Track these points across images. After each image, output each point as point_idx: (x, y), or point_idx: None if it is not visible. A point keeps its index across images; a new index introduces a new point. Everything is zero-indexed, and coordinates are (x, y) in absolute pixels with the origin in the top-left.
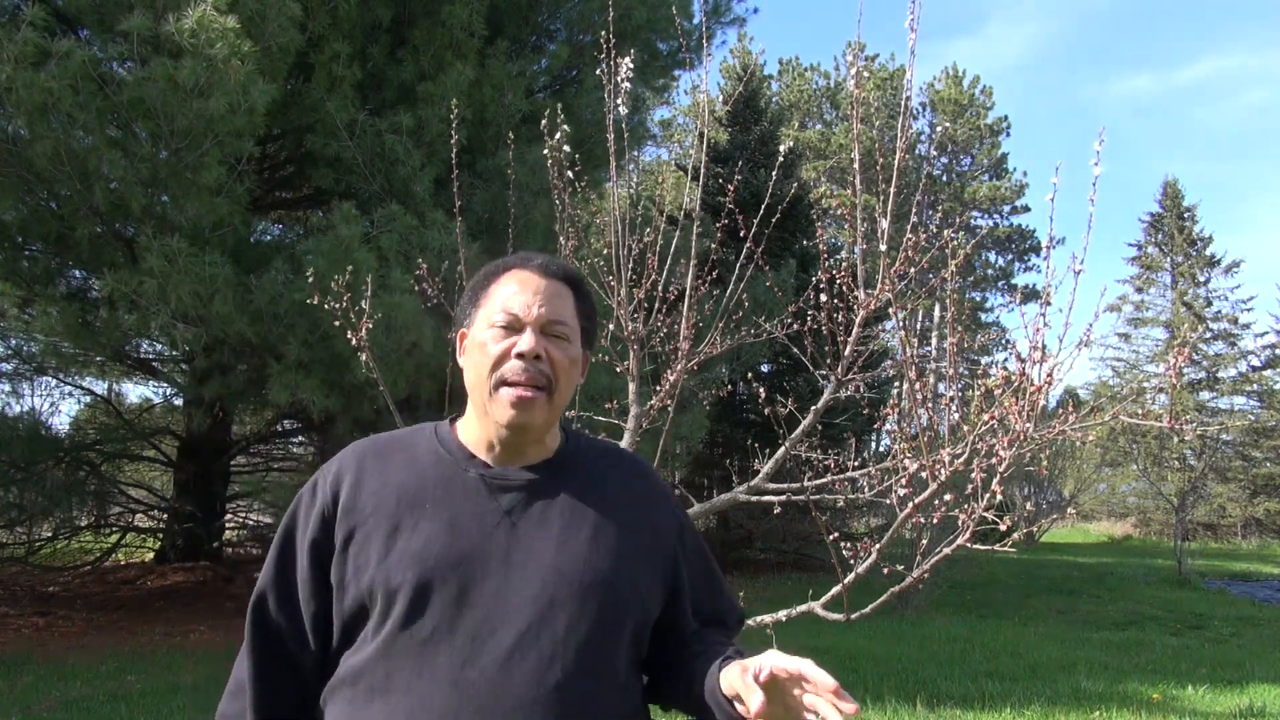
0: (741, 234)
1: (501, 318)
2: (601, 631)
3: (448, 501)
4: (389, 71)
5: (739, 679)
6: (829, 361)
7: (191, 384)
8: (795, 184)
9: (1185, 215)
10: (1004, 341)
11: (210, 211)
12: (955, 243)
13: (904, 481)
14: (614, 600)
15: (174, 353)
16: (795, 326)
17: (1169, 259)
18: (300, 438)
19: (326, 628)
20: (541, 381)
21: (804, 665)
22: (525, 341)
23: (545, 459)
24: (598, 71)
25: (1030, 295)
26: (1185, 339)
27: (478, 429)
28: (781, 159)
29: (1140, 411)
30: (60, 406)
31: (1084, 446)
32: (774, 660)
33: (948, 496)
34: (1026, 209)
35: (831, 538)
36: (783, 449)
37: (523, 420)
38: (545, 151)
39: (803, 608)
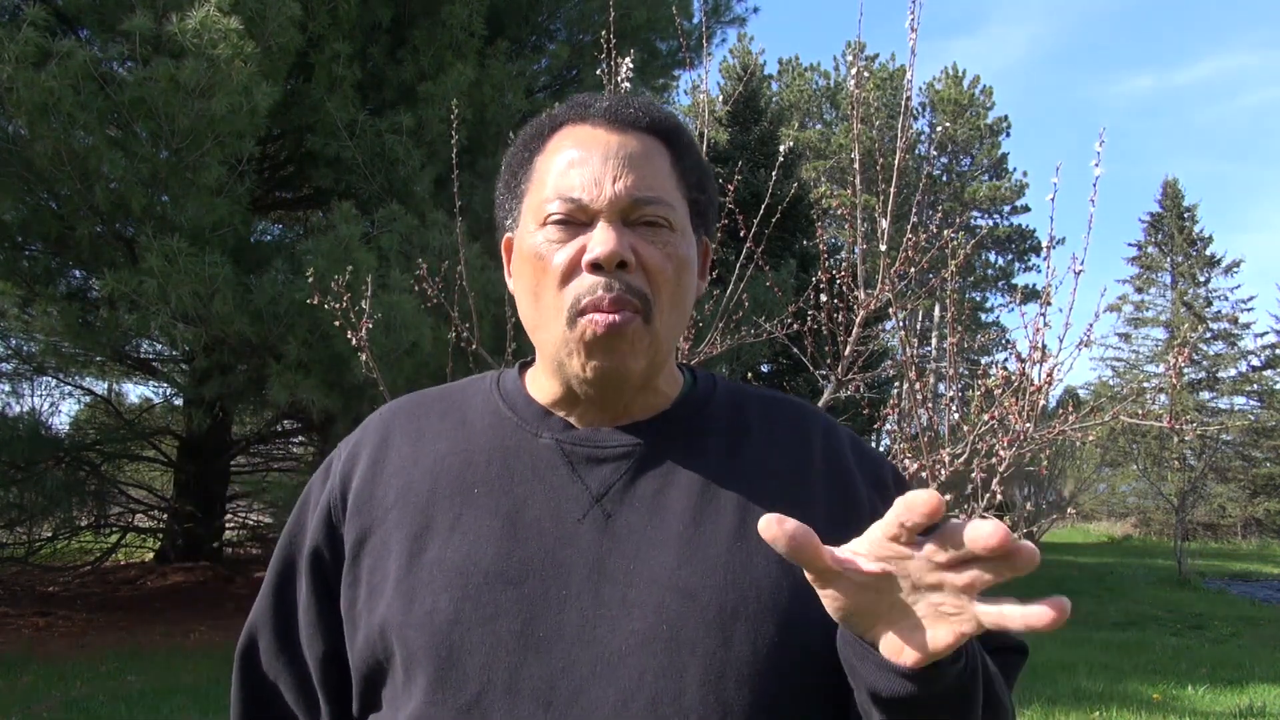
0: (741, 234)
1: (558, 207)
2: (764, 689)
3: (507, 484)
4: (389, 71)
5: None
6: (829, 361)
7: (191, 384)
8: (795, 184)
9: (1185, 215)
10: (1004, 341)
11: (210, 211)
12: (955, 243)
13: None
14: (784, 637)
15: (174, 353)
16: (795, 326)
17: (1169, 259)
18: (300, 438)
19: (344, 681)
20: (633, 302)
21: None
22: (600, 241)
23: (659, 412)
24: (598, 71)
25: (1030, 295)
26: (1185, 339)
27: (549, 383)
28: (781, 159)
29: (1140, 411)
30: (60, 406)
31: (1084, 446)
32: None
33: (948, 496)
34: (1026, 209)
35: None
36: None
37: (612, 366)
38: None
39: None
